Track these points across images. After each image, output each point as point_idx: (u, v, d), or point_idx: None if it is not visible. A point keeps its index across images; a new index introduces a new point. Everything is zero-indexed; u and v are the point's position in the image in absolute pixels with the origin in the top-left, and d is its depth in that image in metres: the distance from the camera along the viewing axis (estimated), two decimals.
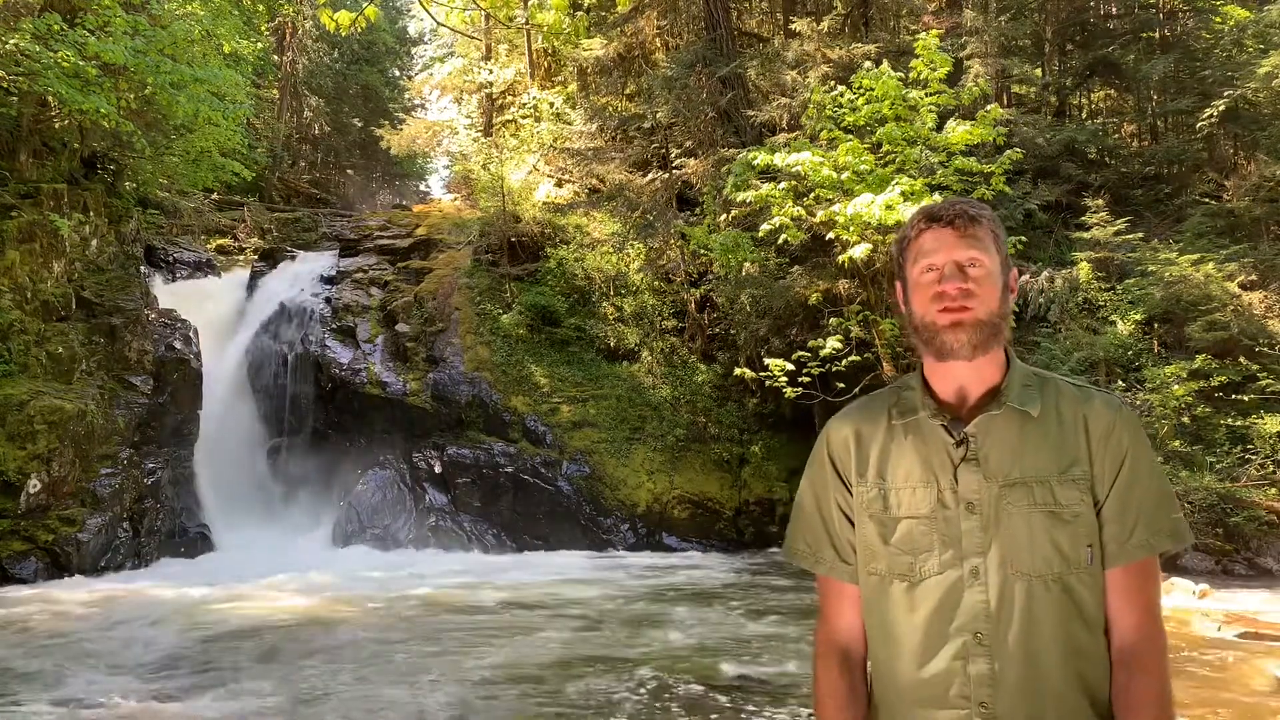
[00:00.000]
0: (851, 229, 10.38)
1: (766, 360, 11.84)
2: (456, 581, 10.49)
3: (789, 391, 11.53)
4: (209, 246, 18.29)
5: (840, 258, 10.72)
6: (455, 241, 17.37)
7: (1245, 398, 10.68)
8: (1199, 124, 13.80)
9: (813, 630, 1.81)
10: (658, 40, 17.99)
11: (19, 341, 11.77)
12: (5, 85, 11.98)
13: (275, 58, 25.00)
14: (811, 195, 11.04)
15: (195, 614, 8.74)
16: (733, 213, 12.95)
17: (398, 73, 34.15)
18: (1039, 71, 16.24)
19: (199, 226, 18.82)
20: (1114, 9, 16.64)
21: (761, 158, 11.06)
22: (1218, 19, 15.28)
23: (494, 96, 23.12)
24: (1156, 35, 15.52)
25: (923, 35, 11.12)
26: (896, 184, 10.14)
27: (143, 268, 15.22)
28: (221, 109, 14.80)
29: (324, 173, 29.39)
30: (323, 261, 17.44)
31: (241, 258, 18.13)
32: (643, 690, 6.32)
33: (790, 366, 11.43)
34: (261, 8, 21.11)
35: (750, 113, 14.90)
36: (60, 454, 11.09)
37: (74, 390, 11.77)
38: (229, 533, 12.77)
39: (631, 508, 13.35)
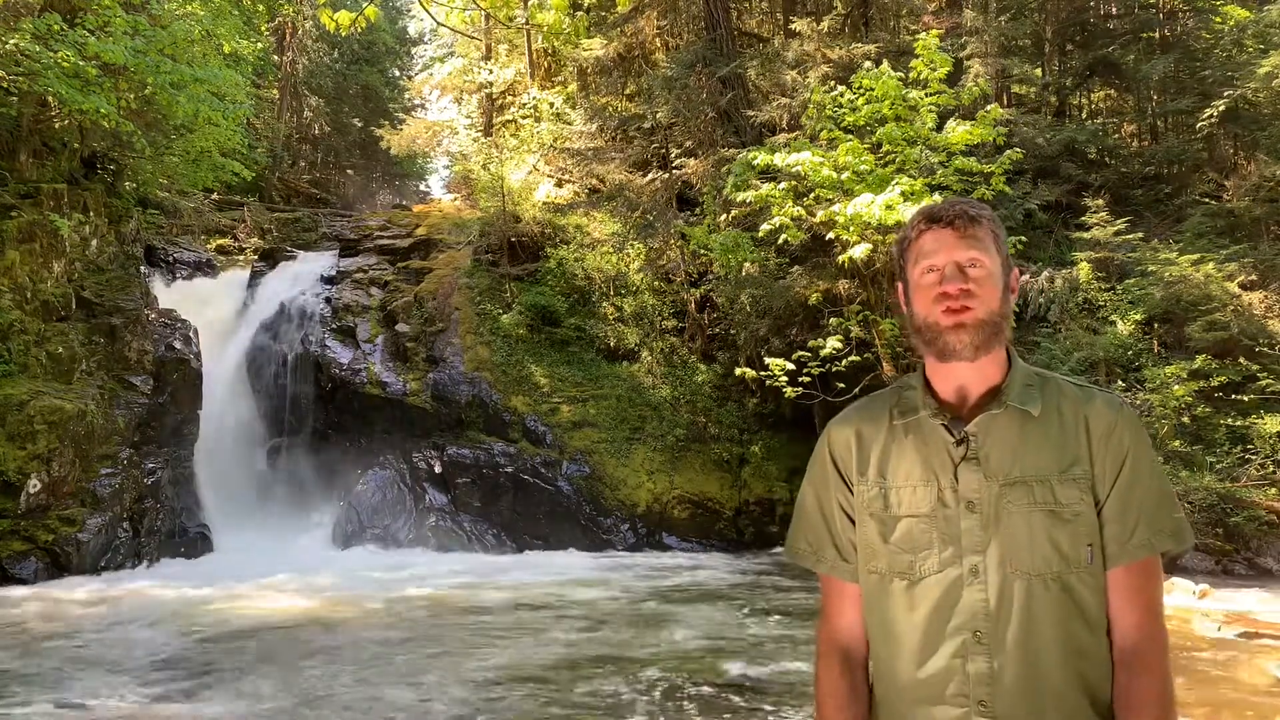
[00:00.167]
0: (851, 229, 10.38)
1: (766, 360, 11.84)
2: (457, 582, 10.49)
3: (789, 391, 11.53)
4: (209, 246, 18.26)
5: (840, 258, 10.73)
6: (455, 241, 17.37)
7: (1245, 398, 10.68)
8: (1199, 124, 13.80)
9: None
10: (658, 40, 17.98)
11: (19, 341, 11.77)
12: (5, 85, 11.98)
13: (275, 58, 24.98)
14: (811, 195, 11.04)
15: (195, 614, 8.74)
16: (733, 213, 12.95)
17: (398, 73, 34.12)
18: (1039, 71, 16.24)
19: (199, 226, 18.78)
20: (1114, 9, 16.64)
21: (761, 158, 11.06)
22: (1218, 19, 15.27)
23: (494, 96, 23.11)
24: (1156, 35, 15.52)
25: (923, 35, 11.12)
26: (896, 184, 10.15)
27: (143, 268, 15.20)
28: (221, 109, 14.79)
29: (324, 173, 29.35)
30: (323, 261, 17.43)
31: (241, 258, 18.09)
32: (654, 691, 6.29)
33: (790, 366, 11.43)
34: (261, 8, 21.10)
35: (750, 113, 14.89)
36: (60, 454, 11.09)
37: (74, 390, 11.77)
38: (229, 533, 12.76)
39: (631, 508, 13.35)
